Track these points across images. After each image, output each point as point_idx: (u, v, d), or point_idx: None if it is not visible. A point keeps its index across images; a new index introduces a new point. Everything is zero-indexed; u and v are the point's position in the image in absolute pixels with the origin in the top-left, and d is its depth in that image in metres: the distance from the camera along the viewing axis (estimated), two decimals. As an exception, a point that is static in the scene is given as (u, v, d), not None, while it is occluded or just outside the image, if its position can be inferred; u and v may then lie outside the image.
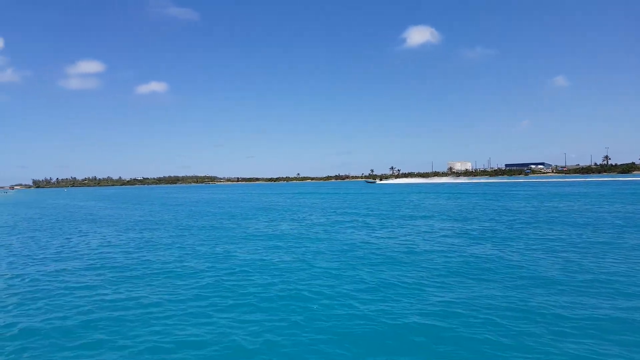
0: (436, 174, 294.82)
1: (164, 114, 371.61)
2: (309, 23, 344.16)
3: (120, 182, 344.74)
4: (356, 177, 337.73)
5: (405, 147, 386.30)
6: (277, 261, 13.23)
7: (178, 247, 16.38)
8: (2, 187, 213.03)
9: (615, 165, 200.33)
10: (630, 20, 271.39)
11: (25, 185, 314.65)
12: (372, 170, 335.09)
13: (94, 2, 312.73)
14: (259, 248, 15.68)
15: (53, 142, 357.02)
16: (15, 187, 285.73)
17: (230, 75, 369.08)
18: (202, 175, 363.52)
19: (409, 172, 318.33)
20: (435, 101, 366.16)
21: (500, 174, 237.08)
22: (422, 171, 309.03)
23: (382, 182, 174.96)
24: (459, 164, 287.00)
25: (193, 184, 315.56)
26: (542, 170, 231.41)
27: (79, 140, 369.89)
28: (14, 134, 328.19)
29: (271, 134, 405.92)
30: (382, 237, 17.61)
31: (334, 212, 31.55)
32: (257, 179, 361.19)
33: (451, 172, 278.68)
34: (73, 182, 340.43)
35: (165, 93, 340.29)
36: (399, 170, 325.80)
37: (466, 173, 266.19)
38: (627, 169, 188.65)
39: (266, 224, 24.27)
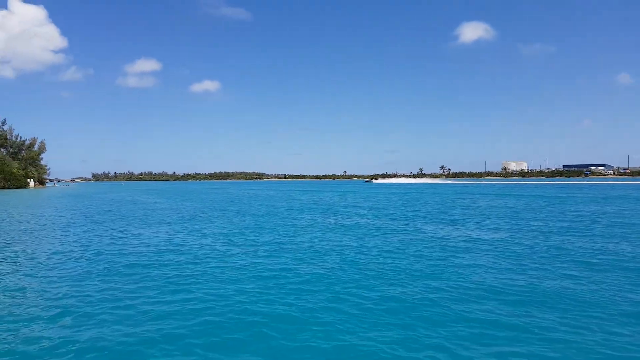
0: (489, 174, 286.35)
1: (216, 111, 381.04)
2: (358, 20, 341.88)
3: (174, 177, 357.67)
4: (404, 175, 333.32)
5: (457, 145, 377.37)
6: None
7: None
8: (64, 180, 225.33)
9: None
10: None
11: (85, 178, 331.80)
12: (420, 169, 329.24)
13: (150, 2, 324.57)
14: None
15: (112, 137, 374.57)
16: (76, 180, 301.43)
17: (279, 73, 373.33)
18: (250, 171, 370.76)
19: (460, 171, 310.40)
20: (490, 98, 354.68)
21: (557, 175, 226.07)
22: (474, 171, 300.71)
23: (377, 181, 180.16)
24: (514, 164, 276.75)
25: (242, 180, 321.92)
26: (603, 172, 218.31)
27: (136, 136, 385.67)
28: (75, 129, 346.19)
29: (318, 131, 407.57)
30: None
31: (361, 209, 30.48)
32: (304, 176, 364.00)
33: (505, 173, 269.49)
34: (130, 177, 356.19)
35: (217, 91, 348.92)
36: (449, 169, 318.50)
37: (521, 173, 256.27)
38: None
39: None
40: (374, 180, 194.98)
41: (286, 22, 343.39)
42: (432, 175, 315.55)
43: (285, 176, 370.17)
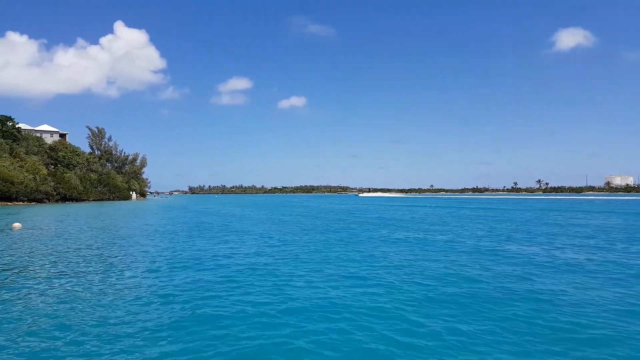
0: (591, 189, 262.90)
1: (303, 126, 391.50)
2: (446, 29, 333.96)
3: (263, 190, 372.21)
4: (497, 190, 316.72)
5: (555, 158, 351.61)
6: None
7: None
8: (162, 193, 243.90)
9: None
10: None
11: (182, 191, 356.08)
12: (515, 183, 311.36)
13: (242, 25, 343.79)
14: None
15: (206, 153, 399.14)
16: (174, 192, 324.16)
17: (364, 87, 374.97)
18: (334, 185, 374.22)
19: (559, 185, 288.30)
20: (590, 109, 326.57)
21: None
22: (574, 185, 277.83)
23: (362, 195, 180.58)
24: (619, 178, 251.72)
25: (327, 194, 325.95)
26: None
27: (228, 152, 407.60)
28: (173, 145, 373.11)
29: (405, 144, 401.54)
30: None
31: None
32: (389, 190, 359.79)
33: (609, 187, 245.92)
34: (223, 190, 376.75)
35: (304, 107, 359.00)
36: (546, 183, 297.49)
37: (626, 189, 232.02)
38: None
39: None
40: (359, 194, 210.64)
41: (371, 36, 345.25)
42: (527, 190, 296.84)
43: (369, 190, 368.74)
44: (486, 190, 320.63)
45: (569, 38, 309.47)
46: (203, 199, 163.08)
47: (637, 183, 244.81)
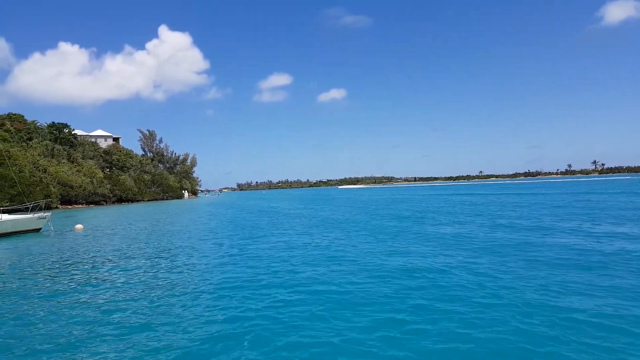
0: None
1: (343, 118, 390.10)
2: (485, 9, 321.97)
3: (308, 184, 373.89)
4: (550, 173, 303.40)
5: (612, 138, 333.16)
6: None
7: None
8: (213, 190, 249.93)
9: None
10: None
11: (231, 188, 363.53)
12: (569, 166, 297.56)
13: (278, 21, 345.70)
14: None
15: (251, 150, 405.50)
16: (223, 190, 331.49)
17: (403, 76, 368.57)
18: (379, 175, 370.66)
19: (617, 166, 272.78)
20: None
21: None
22: (632, 165, 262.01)
23: (341, 187, 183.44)
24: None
25: (371, 185, 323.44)
26: None
27: (272, 148, 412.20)
28: (220, 144, 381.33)
29: (449, 131, 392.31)
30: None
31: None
32: (435, 179, 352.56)
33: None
34: (269, 185, 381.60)
35: (343, 99, 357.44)
36: (602, 164, 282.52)
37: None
38: None
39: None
40: (338, 187, 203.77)
41: (408, 24, 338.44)
42: (582, 172, 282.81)
43: (415, 179, 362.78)
44: (539, 174, 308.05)
45: (618, 11, 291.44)
46: (251, 195, 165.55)
47: None
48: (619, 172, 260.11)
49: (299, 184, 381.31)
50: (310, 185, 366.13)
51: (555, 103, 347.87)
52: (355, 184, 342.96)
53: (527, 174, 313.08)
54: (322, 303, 8.27)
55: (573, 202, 35.62)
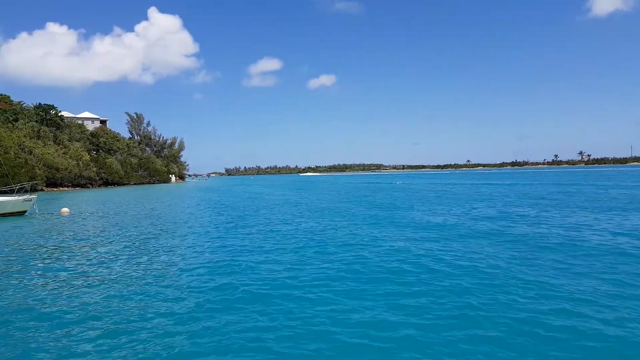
0: (636, 159, 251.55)
1: (333, 104, 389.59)
2: (475, 3, 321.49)
3: (297, 170, 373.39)
4: (537, 163, 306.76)
5: (598, 129, 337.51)
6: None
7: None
8: (201, 175, 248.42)
9: None
10: None
11: (219, 173, 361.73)
12: (556, 156, 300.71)
13: (268, 4, 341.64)
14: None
15: (240, 134, 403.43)
16: (211, 174, 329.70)
17: (394, 63, 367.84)
18: (368, 163, 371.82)
19: (603, 157, 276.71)
20: (633, 76, 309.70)
21: None
22: (617, 156, 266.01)
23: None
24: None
25: (360, 172, 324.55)
26: None
27: (261, 133, 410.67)
28: (208, 128, 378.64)
29: (438, 119, 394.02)
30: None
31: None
32: (424, 167, 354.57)
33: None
34: (258, 170, 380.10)
35: (333, 85, 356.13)
36: (588, 155, 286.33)
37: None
38: None
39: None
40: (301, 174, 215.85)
41: (399, 12, 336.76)
42: (569, 162, 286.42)
43: (403, 167, 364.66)
44: (526, 163, 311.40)
45: (606, 2, 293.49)
46: (239, 180, 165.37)
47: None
48: (604, 163, 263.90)
49: (287, 170, 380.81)
50: (299, 172, 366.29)
51: (544, 94, 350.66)
52: (344, 171, 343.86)
53: (514, 164, 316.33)
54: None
55: (546, 191, 36.53)
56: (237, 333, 6.37)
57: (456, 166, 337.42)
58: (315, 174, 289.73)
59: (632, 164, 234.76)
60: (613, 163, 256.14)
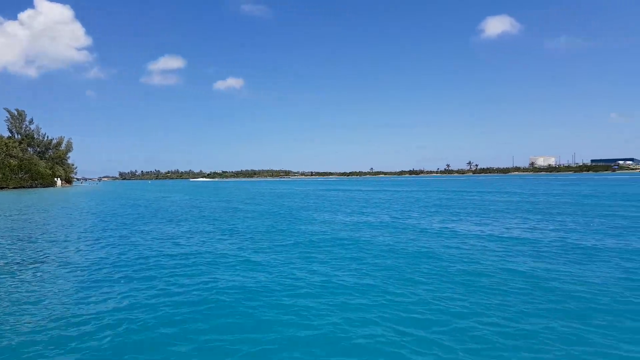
0: (517, 169, 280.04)
1: (241, 109, 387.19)
2: (381, 14, 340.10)
3: (201, 175, 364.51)
4: (431, 172, 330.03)
5: (485, 141, 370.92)
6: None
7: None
8: (91, 179, 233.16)
9: None
10: None
11: (113, 177, 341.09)
12: (448, 165, 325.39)
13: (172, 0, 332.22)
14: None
15: (138, 136, 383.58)
16: (103, 179, 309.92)
17: (303, 70, 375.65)
18: (277, 169, 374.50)
19: (488, 167, 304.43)
20: (517, 93, 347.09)
21: (585, 170, 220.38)
22: (501, 166, 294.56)
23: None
24: (542, 158, 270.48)
25: (269, 178, 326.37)
26: (631, 167, 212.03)
27: (163, 135, 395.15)
28: (102, 129, 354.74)
29: (345, 128, 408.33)
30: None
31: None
32: (331, 174, 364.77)
33: (533, 168, 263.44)
34: (157, 175, 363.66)
35: (242, 88, 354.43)
36: (476, 165, 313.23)
37: (548, 169, 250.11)
38: None
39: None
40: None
41: (307, 18, 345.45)
42: (459, 171, 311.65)
43: (312, 173, 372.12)
44: (422, 172, 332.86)
45: (496, 25, 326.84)
46: (132, 185, 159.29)
47: (558, 163, 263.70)
48: (490, 172, 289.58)
49: (190, 175, 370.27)
50: (204, 177, 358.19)
51: (439, 107, 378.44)
52: (252, 177, 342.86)
53: (412, 172, 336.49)
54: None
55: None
56: None
57: (361, 173, 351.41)
58: (221, 179, 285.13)
59: (513, 173, 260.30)
60: (497, 172, 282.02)
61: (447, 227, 18.00)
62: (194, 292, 8.71)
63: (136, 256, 12.65)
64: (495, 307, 7.71)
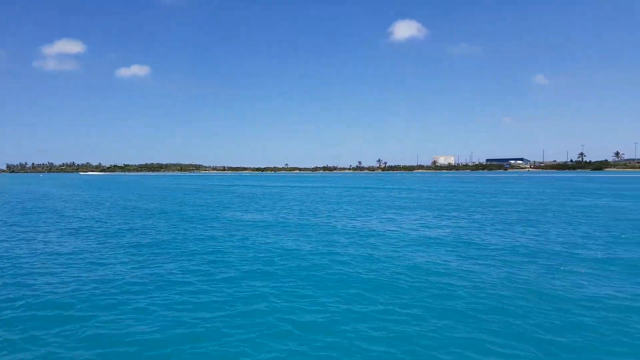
0: (421, 167, 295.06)
1: (146, 98, 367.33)
2: (293, 13, 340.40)
3: (100, 169, 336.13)
4: (344, 168, 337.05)
5: (393, 140, 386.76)
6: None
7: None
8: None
9: (589, 162, 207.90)
10: (608, 21, 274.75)
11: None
12: (359, 162, 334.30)
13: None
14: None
15: (29, 125, 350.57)
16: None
17: (214, 60, 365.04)
18: (186, 163, 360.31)
19: (395, 164, 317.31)
20: (422, 96, 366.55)
21: (480, 169, 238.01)
22: (407, 164, 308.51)
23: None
24: (443, 157, 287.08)
25: (177, 172, 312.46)
26: (521, 166, 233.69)
27: (57, 124, 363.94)
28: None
29: (258, 123, 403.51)
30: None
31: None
32: (245, 169, 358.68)
33: (435, 166, 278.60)
34: (50, 168, 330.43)
35: (147, 76, 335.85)
36: (385, 162, 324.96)
37: (448, 167, 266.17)
38: (600, 166, 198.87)
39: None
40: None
41: (218, 7, 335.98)
42: (369, 168, 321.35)
43: (224, 168, 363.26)
44: (335, 168, 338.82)
45: (405, 29, 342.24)
46: (19, 179, 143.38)
47: (457, 162, 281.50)
48: (397, 169, 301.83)
49: (88, 168, 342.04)
50: (103, 170, 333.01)
51: (350, 106, 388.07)
52: (159, 171, 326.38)
53: (326, 168, 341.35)
54: None
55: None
56: None
57: (275, 169, 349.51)
58: (122, 172, 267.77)
59: (417, 170, 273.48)
60: (403, 170, 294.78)
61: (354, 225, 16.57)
62: None
63: None
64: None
